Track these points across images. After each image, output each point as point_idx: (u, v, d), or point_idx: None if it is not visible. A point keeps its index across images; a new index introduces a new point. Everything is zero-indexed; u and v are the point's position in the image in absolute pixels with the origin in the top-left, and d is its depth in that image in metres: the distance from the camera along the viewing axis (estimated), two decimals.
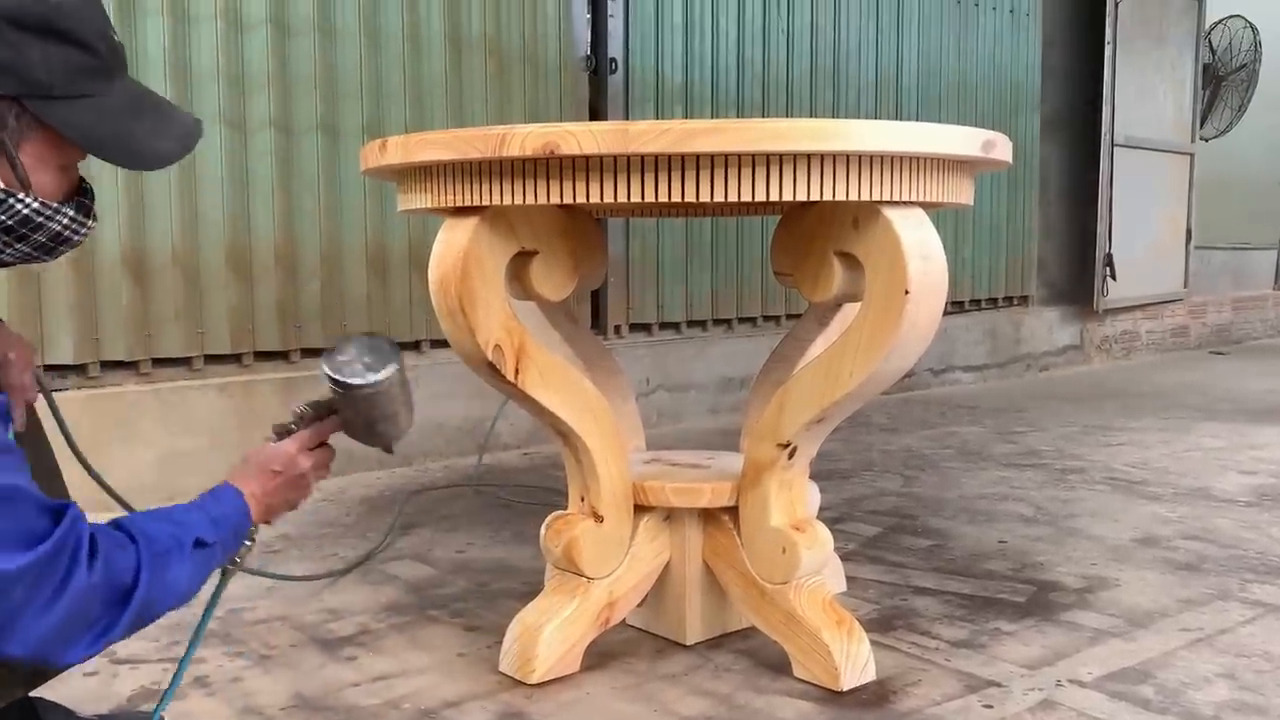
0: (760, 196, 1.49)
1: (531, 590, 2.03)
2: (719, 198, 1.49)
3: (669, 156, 1.48)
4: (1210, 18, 7.22)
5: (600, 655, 1.87)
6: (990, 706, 1.69)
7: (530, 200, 1.54)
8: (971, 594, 2.22)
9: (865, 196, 1.53)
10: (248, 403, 3.19)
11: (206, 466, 3.10)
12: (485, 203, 1.58)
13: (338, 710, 1.69)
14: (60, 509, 1.06)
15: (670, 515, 1.92)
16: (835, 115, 4.83)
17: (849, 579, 2.27)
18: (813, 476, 1.94)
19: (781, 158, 1.48)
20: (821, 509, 2.10)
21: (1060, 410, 4.68)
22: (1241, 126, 7.95)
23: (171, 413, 3.05)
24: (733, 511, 1.86)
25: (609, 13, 4.08)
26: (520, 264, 1.74)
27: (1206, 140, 7.47)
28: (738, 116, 4.45)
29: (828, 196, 1.51)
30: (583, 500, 1.86)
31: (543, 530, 1.89)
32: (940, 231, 1.65)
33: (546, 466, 3.49)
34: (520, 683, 1.77)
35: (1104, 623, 2.05)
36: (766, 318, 4.69)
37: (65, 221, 1.15)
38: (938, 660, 1.87)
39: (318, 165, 3.36)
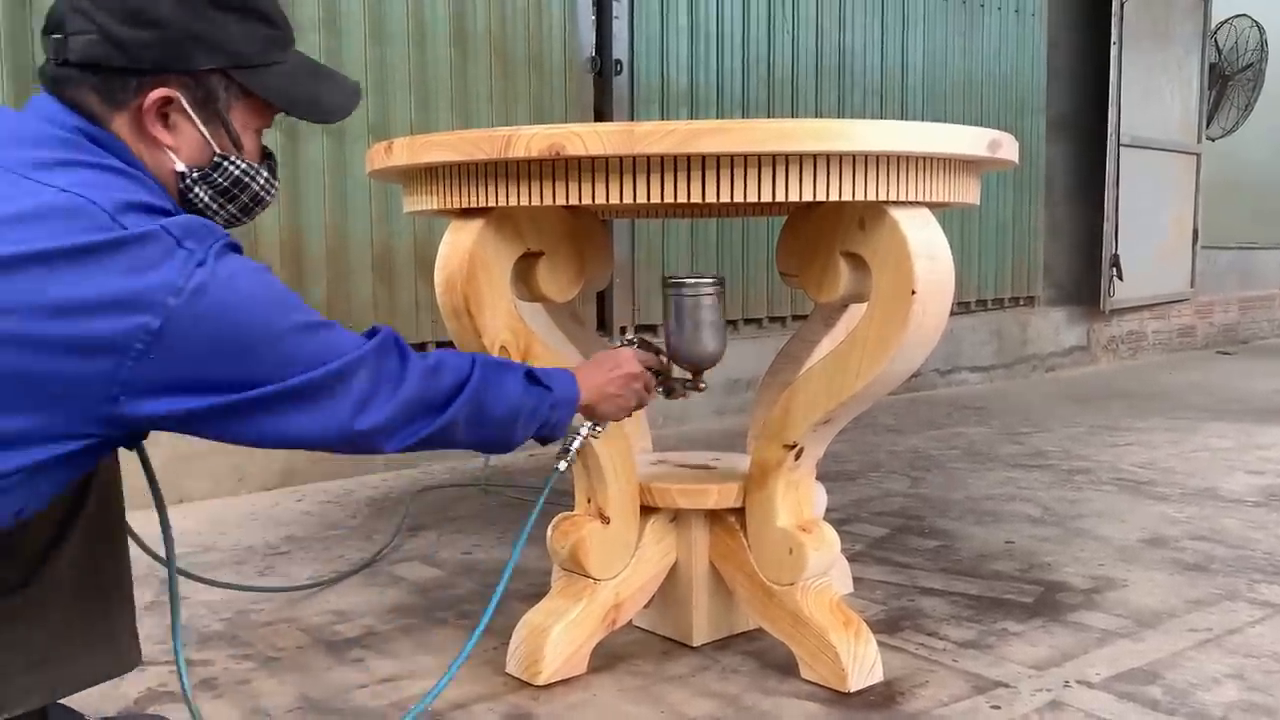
0: (766, 197, 1.49)
1: (538, 592, 2.02)
2: (725, 198, 1.49)
3: (674, 157, 1.47)
4: (1216, 17, 7.21)
5: (607, 656, 1.87)
6: (998, 707, 1.68)
7: (536, 201, 1.54)
8: (979, 595, 2.22)
9: (871, 197, 1.53)
10: None
11: (212, 468, 3.11)
12: (491, 204, 1.58)
13: (345, 712, 1.69)
14: (374, 329, 1.28)
15: (677, 516, 1.92)
16: (840, 115, 4.83)
17: (856, 580, 2.27)
18: (819, 477, 1.94)
19: (787, 158, 1.48)
20: (828, 510, 2.10)
21: (1067, 411, 4.67)
22: (1248, 126, 7.94)
23: None
24: (739, 513, 1.86)
25: (614, 14, 4.08)
26: (526, 265, 1.74)
27: (1213, 140, 7.45)
28: (743, 117, 4.44)
29: (834, 197, 1.51)
30: (589, 502, 1.86)
31: (549, 532, 1.89)
32: (946, 232, 1.65)
33: (553, 467, 3.49)
34: (527, 684, 1.77)
35: (1112, 623, 2.04)
36: (772, 318, 4.69)
37: (262, 181, 1.30)
38: (945, 661, 1.87)
39: (323, 166, 3.36)
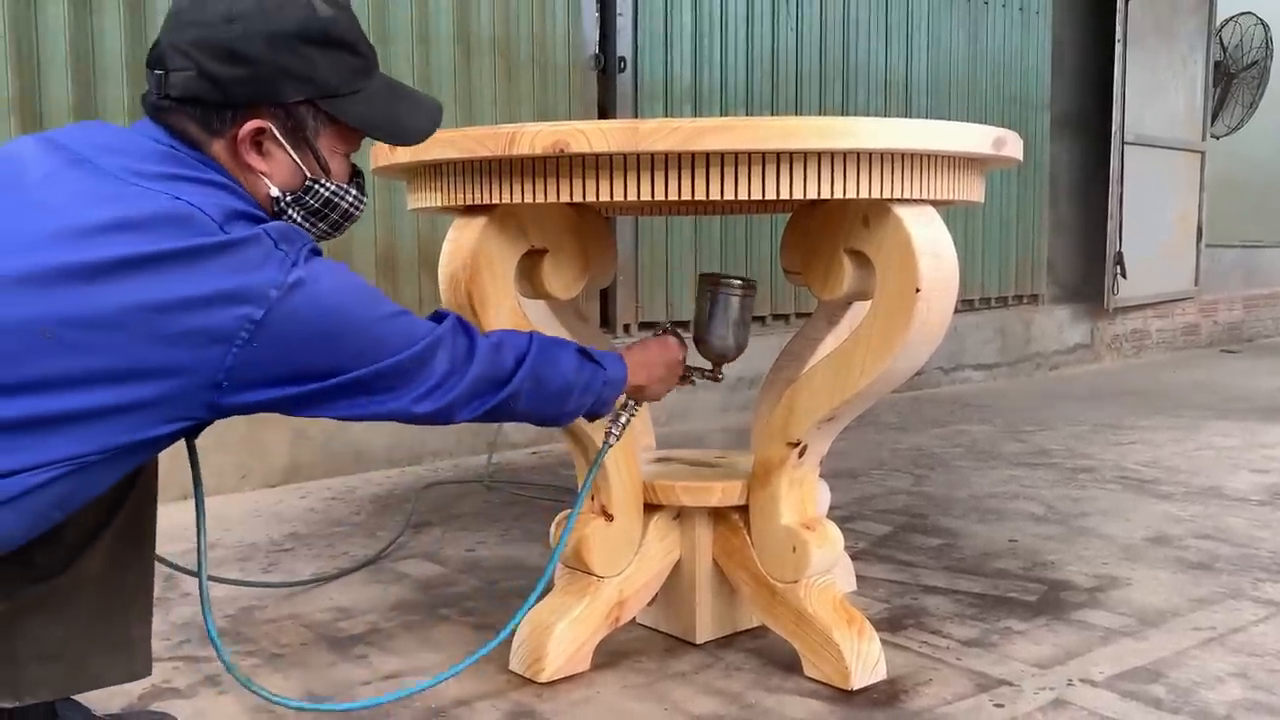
0: (770, 195, 1.49)
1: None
2: (729, 196, 1.48)
3: (679, 154, 1.47)
4: (1221, 15, 7.19)
5: (610, 654, 1.87)
6: (1001, 705, 1.68)
7: (540, 199, 1.54)
8: (982, 593, 2.22)
9: (876, 194, 1.53)
10: None
11: (216, 465, 3.11)
12: (495, 201, 1.58)
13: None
14: (440, 313, 1.39)
15: (680, 514, 1.92)
16: (845, 113, 4.82)
17: (859, 578, 2.27)
18: (823, 475, 1.94)
19: (792, 156, 1.48)
20: (832, 508, 2.10)
21: (1071, 409, 4.66)
22: (1253, 124, 7.91)
23: None
24: (743, 510, 1.86)
25: (618, 11, 4.08)
26: (530, 262, 1.74)
27: (1218, 138, 7.43)
28: (747, 115, 4.44)
29: (838, 194, 1.51)
30: (593, 499, 1.86)
31: (552, 528, 1.89)
32: (950, 229, 1.65)
33: (556, 465, 3.49)
34: (530, 681, 1.77)
35: (1115, 622, 2.04)
36: (776, 316, 4.69)
37: (351, 199, 1.39)
38: (948, 659, 1.87)
39: None
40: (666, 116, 4.16)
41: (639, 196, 1.49)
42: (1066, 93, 6.04)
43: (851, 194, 1.51)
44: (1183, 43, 6.50)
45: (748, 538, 1.85)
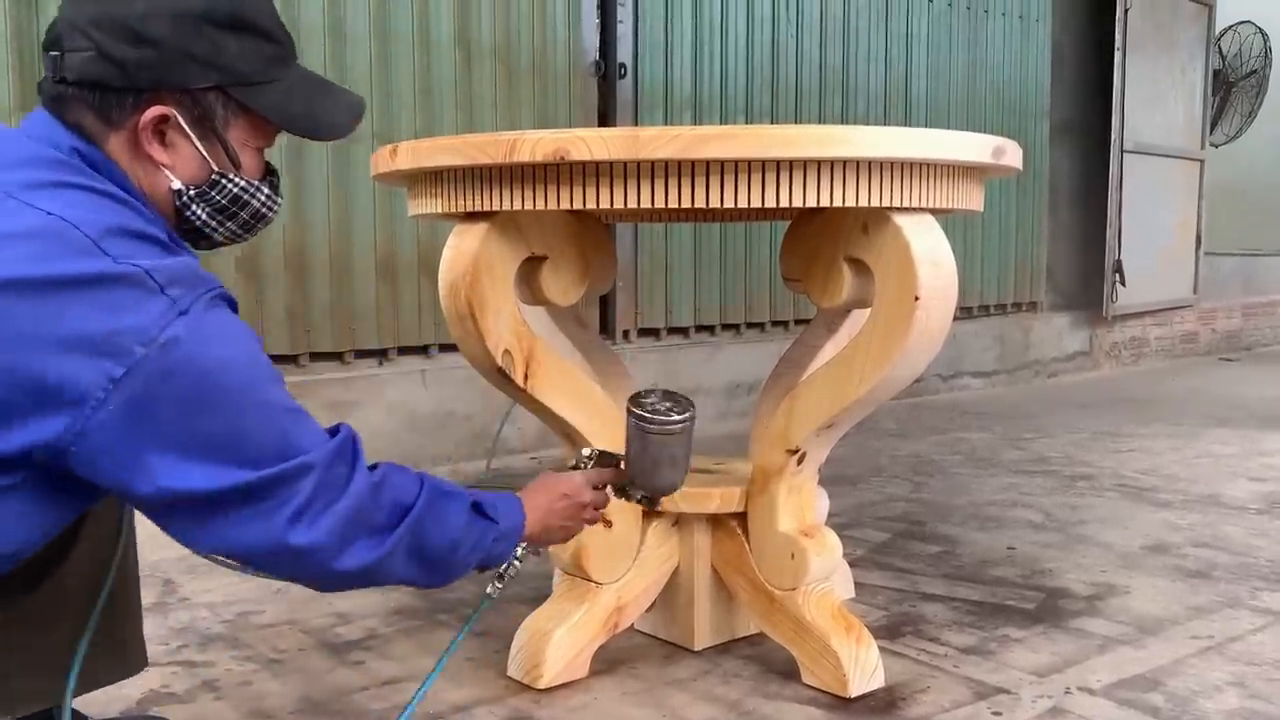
0: (770, 202, 1.49)
1: (540, 595, 2.03)
2: (729, 204, 1.49)
3: (679, 162, 1.48)
4: (1220, 24, 7.20)
5: (608, 660, 1.87)
6: (999, 714, 1.68)
7: (540, 205, 1.54)
8: (980, 600, 2.22)
9: (875, 202, 1.53)
10: None
11: None
12: (495, 208, 1.58)
13: (346, 714, 1.70)
14: (336, 427, 1.19)
15: (679, 520, 1.92)
16: (845, 121, 4.83)
17: (857, 585, 2.27)
18: (821, 482, 1.94)
19: (792, 164, 1.48)
20: (830, 515, 2.10)
21: (1069, 416, 4.67)
22: (1252, 132, 7.93)
23: None
24: (741, 517, 1.86)
25: (618, 18, 4.08)
26: (530, 269, 1.74)
27: (1217, 146, 7.44)
28: (747, 123, 4.45)
29: (838, 202, 1.51)
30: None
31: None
32: (949, 237, 1.65)
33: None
34: (528, 687, 1.77)
35: (1113, 630, 2.04)
36: (775, 323, 4.69)
37: (263, 198, 1.27)
38: (946, 667, 1.87)
39: (328, 169, 3.37)
40: (666, 123, 4.17)
41: (639, 204, 1.50)
42: (1066, 101, 6.05)
43: (851, 202, 1.52)
44: (1182, 51, 6.51)
45: (746, 544, 1.85)
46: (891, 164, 1.53)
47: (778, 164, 1.48)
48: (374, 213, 3.47)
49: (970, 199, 1.71)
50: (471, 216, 1.66)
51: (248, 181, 1.24)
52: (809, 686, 1.77)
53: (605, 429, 1.79)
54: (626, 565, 1.85)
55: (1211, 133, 7.16)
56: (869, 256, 1.63)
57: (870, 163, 1.51)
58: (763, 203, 1.49)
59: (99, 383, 1.00)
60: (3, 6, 2.81)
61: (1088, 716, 1.67)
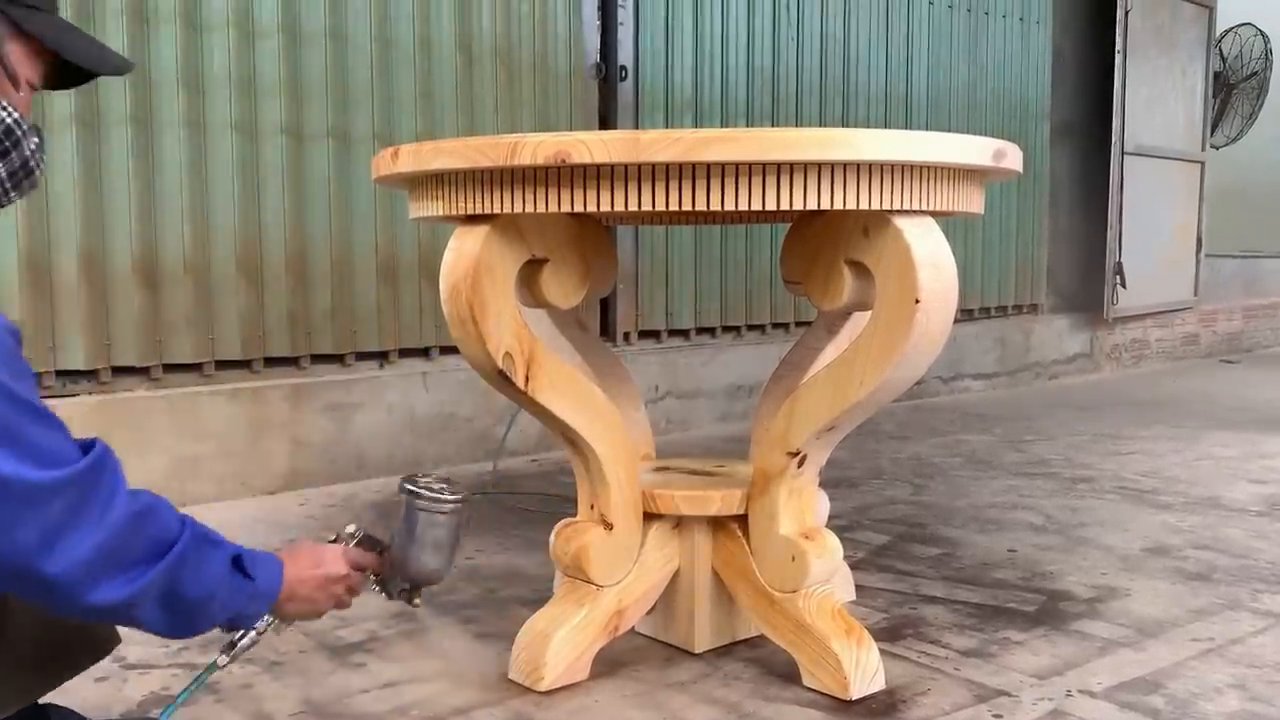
0: (771, 206, 1.49)
1: (541, 597, 2.03)
2: (730, 206, 1.49)
3: (680, 165, 1.48)
4: (1221, 25, 7.21)
5: (609, 663, 1.87)
6: (1000, 716, 1.69)
7: (542, 208, 1.54)
8: (981, 603, 2.22)
9: (876, 205, 1.53)
10: (258, 409, 3.20)
11: (216, 472, 3.12)
12: (496, 211, 1.59)
13: (346, 717, 1.70)
14: (91, 441, 1.06)
15: (679, 523, 1.92)
16: (845, 123, 4.83)
17: (858, 587, 2.27)
18: (822, 485, 1.94)
19: (793, 167, 1.49)
20: (831, 517, 2.10)
21: (1070, 418, 4.67)
22: (1253, 134, 7.93)
23: (182, 418, 3.06)
24: (742, 520, 1.86)
25: (619, 20, 4.09)
26: (531, 272, 1.74)
27: (1217, 148, 7.44)
28: (747, 125, 4.45)
29: (838, 205, 1.51)
30: (592, 508, 1.86)
31: (552, 537, 1.89)
32: (950, 239, 1.65)
33: (555, 473, 3.49)
34: (529, 690, 1.77)
35: (1114, 632, 2.04)
36: (776, 325, 4.69)
37: (33, 147, 1.14)
38: (947, 669, 1.87)
39: (329, 172, 3.37)
40: (667, 126, 4.17)
41: (640, 207, 1.50)
42: (1066, 103, 6.05)
43: (851, 205, 1.52)
44: (1182, 53, 6.52)
45: (747, 547, 1.85)
46: (892, 167, 1.53)
47: (779, 167, 1.48)
48: (375, 215, 3.47)
49: (971, 201, 1.71)
50: (473, 219, 1.66)
51: (18, 117, 1.11)
52: (809, 689, 1.77)
53: (607, 432, 1.79)
54: (627, 568, 1.86)
55: (1212, 135, 7.16)
56: (869, 259, 1.63)
57: (871, 165, 1.51)
58: (764, 205, 1.49)
59: None
60: None
61: (1088, 719, 1.67)
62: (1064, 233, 6.15)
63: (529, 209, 1.55)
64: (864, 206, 1.53)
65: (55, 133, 2.87)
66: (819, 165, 1.49)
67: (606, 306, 4.17)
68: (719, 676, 1.84)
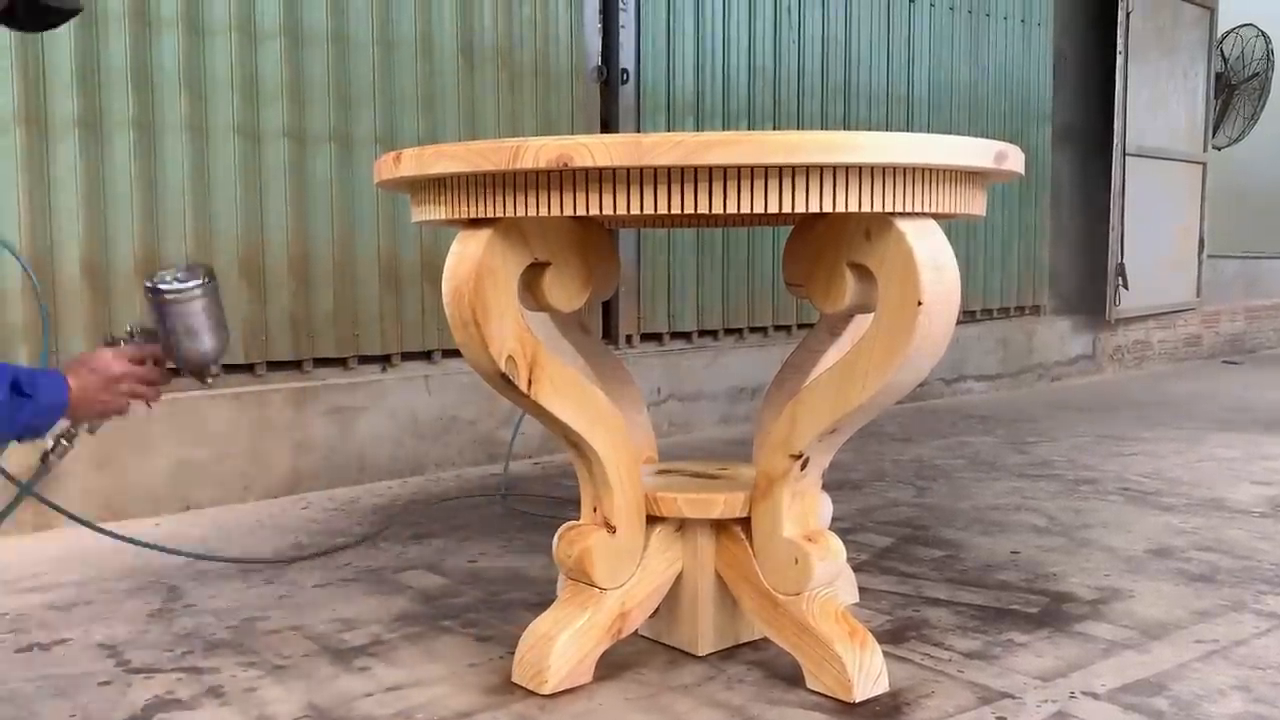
0: (773, 208, 1.50)
1: (544, 600, 2.03)
2: (731, 210, 1.49)
3: (682, 168, 1.48)
4: (1222, 27, 7.21)
5: (612, 666, 1.87)
6: (1003, 718, 1.68)
7: (544, 212, 1.55)
8: (984, 605, 2.22)
9: (878, 208, 1.53)
10: (260, 412, 3.21)
11: (219, 476, 3.12)
12: (499, 214, 1.59)
13: None
14: None
15: (683, 526, 1.92)
16: (846, 126, 4.84)
17: (861, 590, 2.27)
18: (825, 487, 1.94)
19: (795, 170, 1.49)
20: (834, 520, 2.10)
21: (1072, 420, 4.67)
22: (1254, 135, 7.93)
23: (184, 422, 3.06)
24: (745, 522, 1.86)
25: (620, 23, 4.09)
26: (533, 275, 1.74)
27: (1219, 149, 7.45)
28: (749, 128, 4.45)
29: (840, 208, 1.51)
30: (595, 511, 1.86)
31: (555, 540, 1.89)
32: (952, 241, 1.65)
33: (558, 476, 3.50)
34: (533, 693, 1.77)
35: (1117, 634, 2.04)
36: (778, 327, 4.69)
37: None
38: (950, 671, 1.87)
39: (331, 175, 3.37)
40: (669, 129, 4.17)
41: (642, 210, 1.50)
42: (1068, 105, 6.05)
43: (854, 207, 1.52)
44: (1184, 55, 6.52)
45: (750, 550, 1.85)
46: (894, 169, 1.53)
47: (780, 170, 1.49)
48: (377, 218, 3.48)
49: (973, 204, 1.71)
50: (475, 223, 1.66)
51: None
52: (813, 692, 1.77)
53: (609, 435, 1.80)
54: (630, 571, 1.86)
55: (1214, 136, 7.16)
56: (872, 261, 1.63)
57: (873, 168, 1.52)
58: (765, 209, 1.49)
59: None
60: None
61: None
62: (1066, 234, 6.15)
63: (531, 213, 1.56)
64: (866, 209, 1.53)
65: (58, 136, 2.87)
66: (821, 168, 1.49)
67: (609, 309, 4.17)
68: (722, 679, 1.84)
